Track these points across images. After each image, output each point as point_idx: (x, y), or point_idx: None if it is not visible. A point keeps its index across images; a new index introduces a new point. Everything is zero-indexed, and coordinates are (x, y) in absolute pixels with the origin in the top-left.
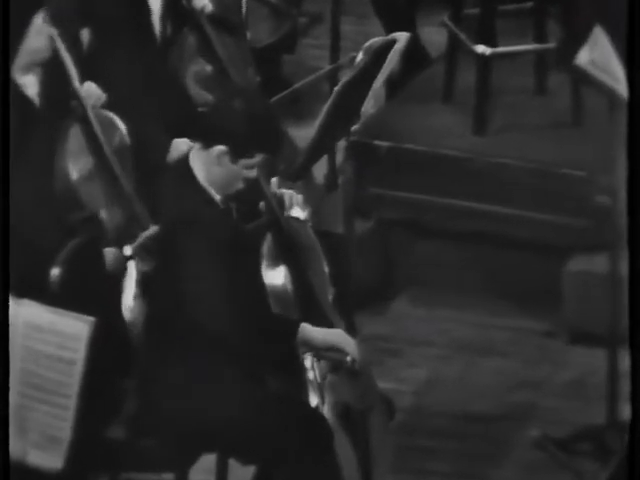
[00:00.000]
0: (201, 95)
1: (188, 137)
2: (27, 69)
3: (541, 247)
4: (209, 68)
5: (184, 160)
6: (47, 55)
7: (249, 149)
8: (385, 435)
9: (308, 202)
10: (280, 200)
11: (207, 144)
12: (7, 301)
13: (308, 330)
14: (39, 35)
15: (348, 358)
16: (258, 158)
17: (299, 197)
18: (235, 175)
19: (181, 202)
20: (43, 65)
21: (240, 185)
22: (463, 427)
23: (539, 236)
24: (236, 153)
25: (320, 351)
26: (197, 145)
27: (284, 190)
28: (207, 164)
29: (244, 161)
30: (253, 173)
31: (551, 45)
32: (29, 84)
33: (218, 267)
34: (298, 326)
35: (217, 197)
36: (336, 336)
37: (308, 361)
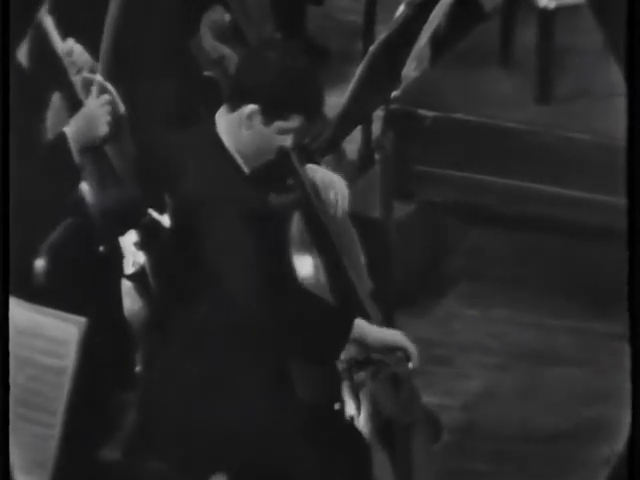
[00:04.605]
0: (216, 49)
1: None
2: None
3: (614, 236)
4: (227, 17)
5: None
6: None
7: (285, 109)
8: (428, 458)
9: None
10: (313, 183)
11: (236, 104)
12: (7, 302)
13: (364, 327)
14: None
15: (410, 364)
16: (295, 122)
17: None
18: (268, 140)
19: (205, 174)
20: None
21: (271, 156)
22: (523, 448)
23: (611, 224)
24: (269, 113)
25: (372, 353)
26: (224, 107)
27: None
28: (235, 127)
29: (279, 123)
30: (288, 141)
31: None
32: None
33: (247, 242)
34: (352, 320)
35: (245, 169)
36: (395, 336)
37: (345, 366)
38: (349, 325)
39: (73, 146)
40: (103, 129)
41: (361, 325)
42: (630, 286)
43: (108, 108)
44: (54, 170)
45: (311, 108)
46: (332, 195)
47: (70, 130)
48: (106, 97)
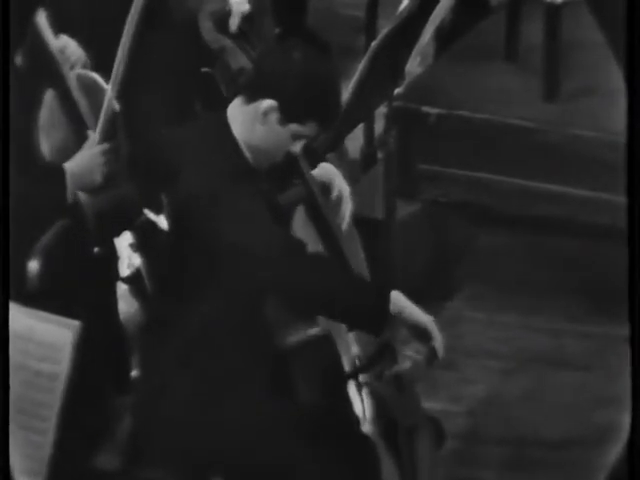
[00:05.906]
0: (217, 40)
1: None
2: None
3: (624, 237)
4: (228, 8)
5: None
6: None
7: (302, 112)
8: (433, 464)
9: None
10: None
11: (253, 96)
12: (7, 305)
13: (401, 299)
14: None
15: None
16: (309, 129)
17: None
18: (280, 141)
19: (211, 165)
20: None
21: (279, 158)
22: (531, 455)
23: (621, 223)
24: (287, 113)
25: (405, 328)
26: (239, 99)
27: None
28: (250, 121)
29: (294, 126)
30: (297, 148)
31: None
32: None
33: (265, 213)
34: (388, 291)
35: (253, 165)
36: (427, 319)
37: (349, 367)
38: (386, 296)
39: (69, 184)
40: (97, 179)
41: (398, 297)
42: (630, 286)
43: (105, 158)
44: (47, 188)
45: (328, 117)
46: (346, 210)
47: (69, 167)
48: (106, 146)
